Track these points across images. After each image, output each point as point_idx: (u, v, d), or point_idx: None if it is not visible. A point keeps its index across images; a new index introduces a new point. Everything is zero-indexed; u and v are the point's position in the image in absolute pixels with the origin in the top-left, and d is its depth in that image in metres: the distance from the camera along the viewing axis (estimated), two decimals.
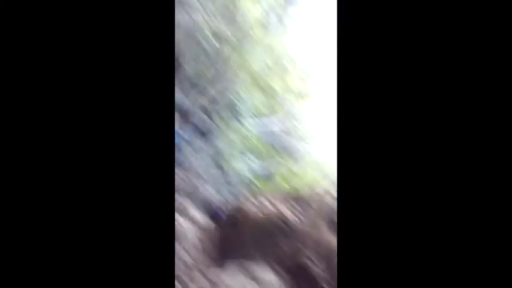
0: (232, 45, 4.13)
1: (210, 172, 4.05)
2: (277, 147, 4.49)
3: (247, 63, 4.21)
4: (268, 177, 4.31)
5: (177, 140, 3.45)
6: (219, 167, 4.13)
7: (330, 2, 4.66)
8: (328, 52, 4.63)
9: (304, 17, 4.58)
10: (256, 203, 2.65)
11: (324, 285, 1.89)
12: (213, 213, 3.20)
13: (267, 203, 2.58)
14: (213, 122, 4.21)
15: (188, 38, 3.79)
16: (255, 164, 4.50)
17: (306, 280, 1.98)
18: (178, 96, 3.92)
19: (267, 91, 4.67)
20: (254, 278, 1.84)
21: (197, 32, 3.88)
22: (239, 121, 4.50)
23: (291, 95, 4.59)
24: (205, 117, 4.09)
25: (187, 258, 1.93)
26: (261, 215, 2.38)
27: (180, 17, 3.66)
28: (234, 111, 4.49)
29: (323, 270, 1.96)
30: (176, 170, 3.59)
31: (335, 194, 2.51)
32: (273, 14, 4.25)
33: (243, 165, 4.36)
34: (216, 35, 4.01)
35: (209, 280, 1.76)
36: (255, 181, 4.28)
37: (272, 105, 4.77)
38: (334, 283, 1.92)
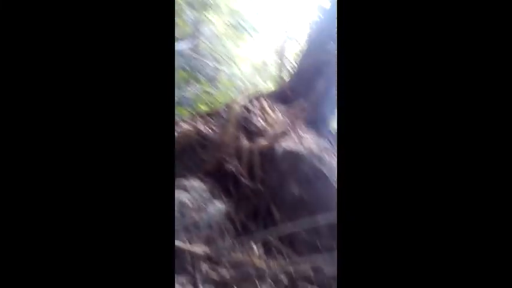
0: None
1: None
2: (189, 70, 4.22)
3: None
4: (186, 104, 4.15)
5: None
6: None
7: None
8: None
9: None
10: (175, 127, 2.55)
11: (242, 178, 2.07)
12: None
13: (183, 124, 2.52)
14: None
15: None
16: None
17: (225, 178, 2.13)
18: None
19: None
20: (184, 188, 1.89)
21: None
22: None
23: (194, 11, 4.12)
24: None
25: None
26: (177, 136, 2.33)
27: None
28: None
29: (239, 167, 2.13)
30: None
31: (247, 104, 2.59)
32: None
33: None
34: None
35: None
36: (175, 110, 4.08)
37: (179, 25, 4.27)
38: (248, 177, 2.12)
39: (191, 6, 4.01)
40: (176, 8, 4.06)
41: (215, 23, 4.38)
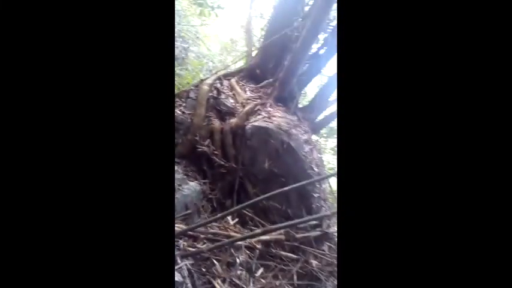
0: None
1: None
2: None
3: None
4: None
5: None
6: None
7: None
8: None
9: None
10: None
11: (215, 158, 2.12)
12: None
13: None
14: None
15: None
16: None
17: (199, 159, 2.17)
18: None
19: None
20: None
21: None
22: None
23: None
24: None
25: None
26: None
27: None
28: None
29: (212, 148, 2.16)
30: None
31: (216, 84, 2.57)
32: None
33: None
34: None
35: None
36: None
37: None
38: (221, 156, 2.16)
39: None
40: None
41: (181, 2, 4.17)
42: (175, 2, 4.09)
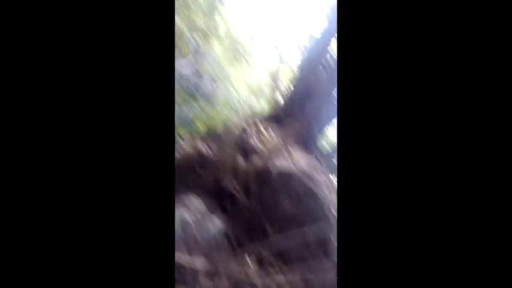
0: None
1: None
2: (190, 92, 4.37)
3: None
4: (184, 123, 4.27)
5: None
6: None
7: None
8: None
9: None
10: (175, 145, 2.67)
11: (238, 196, 2.18)
12: None
13: (184, 146, 2.65)
14: None
15: None
16: None
17: (222, 196, 2.24)
18: None
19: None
20: (185, 205, 1.99)
21: None
22: None
23: (197, 35, 4.33)
24: None
25: None
26: (180, 157, 2.45)
27: None
28: None
29: (236, 186, 2.24)
30: None
31: (245, 126, 2.74)
32: None
33: None
34: None
35: None
36: None
37: (180, 47, 4.46)
38: (243, 194, 2.23)
39: (193, 30, 4.23)
40: (179, 32, 4.26)
41: (214, 47, 4.58)
42: (210, 48, 4.52)
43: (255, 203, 2.21)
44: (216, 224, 1.94)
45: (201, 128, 3.34)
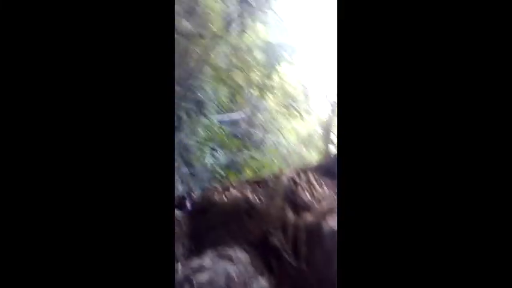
0: (198, 44, 4.06)
1: (179, 168, 3.98)
2: (242, 139, 4.52)
3: (210, 58, 4.18)
4: (235, 168, 4.34)
5: None
6: (188, 162, 4.08)
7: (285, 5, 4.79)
8: (288, 49, 4.77)
9: (264, 16, 4.65)
10: (223, 191, 2.67)
11: (285, 255, 1.98)
12: (181, 206, 3.16)
13: (233, 190, 2.62)
14: (179, 118, 4.13)
15: None
16: (222, 157, 4.51)
17: (269, 252, 2.06)
18: None
19: (232, 86, 4.69)
20: (229, 258, 1.88)
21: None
22: (206, 116, 4.47)
23: (255, 90, 4.64)
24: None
25: None
26: (227, 201, 2.41)
27: None
28: (201, 106, 4.45)
29: (284, 242, 2.05)
30: None
31: (294, 176, 2.62)
32: (236, 13, 4.27)
33: (211, 159, 4.34)
34: (181, 33, 3.93)
35: (191, 268, 1.76)
36: (223, 173, 4.29)
37: (237, 100, 4.79)
38: (292, 255, 2.01)
39: (250, 85, 4.57)
40: (237, 85, 4.63)
41: (268, 100, 4.83)
42: (264, 101, 4.78)
43: (304, 265, 1.96)
44: (260, 283, 1.75)
45: (251, 175, 3.34)
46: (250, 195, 2.46)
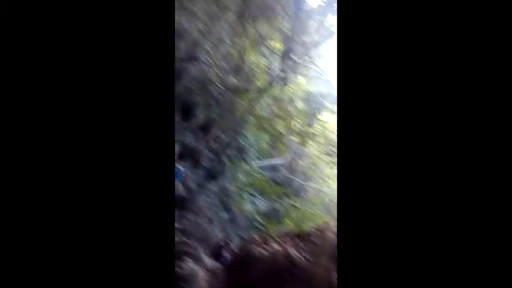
0: (243, 97, 4.33)
1: (218, 213, 3.95)
2: (283, 187, 4.40)
3: (254, 109, 4.38)
4: (274, 217, 4.16)
5: (179, 179, 3.43)
6: (227, 208, 4.05)
7: (324, 54, 4.98)
8: (330, 98, 4.83)
9: (306, 70, 4.87)
10: (262, 242, 2.53)
11: None
12: (218, 256, 3.04)
13: (273, 243, 2.46)
14: (223, 164, 4.24)
15: (200, 88, 4.03)
16: (262, 204, 4.39)
17: None
18: (191, 141, 4.03)
19: (273, 134, 4.77)
20: None
21: (208, 83, 4.14)
22: (247, 162, 4.52)
23: (295, 137, 4.64)
24: (215, 160, 4.13)
25: None
26: (267, 254, 2.25)
27: (193, 69, 3.94)
28: (242, 153, 4.55)
29: None
30: (185, 213, 3.51)
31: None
32: (276, 65, 4.55)
33: (251, 206, 4.24)
34: (229, 88, 4.26)
35: None
36: (262, 221, 4.13)
37: (278, 147, 4.81)
38: None
39: (293, 133, 4.61)
40: (278, 133, 4.70)
41: (310, 148, 4.78)
42: (306, 148, 4.71)
43: None
44: None
45: (292, 225, 3.15)
46: (291, 250, 2.28)
